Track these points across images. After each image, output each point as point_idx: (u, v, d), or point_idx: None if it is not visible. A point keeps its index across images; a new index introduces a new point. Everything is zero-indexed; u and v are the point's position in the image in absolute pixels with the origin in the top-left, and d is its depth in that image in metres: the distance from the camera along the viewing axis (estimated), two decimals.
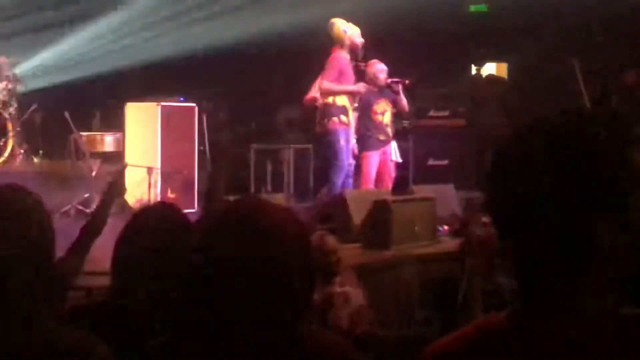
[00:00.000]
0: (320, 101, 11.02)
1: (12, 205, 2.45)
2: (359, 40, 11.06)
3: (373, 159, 11.40)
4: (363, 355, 2.54)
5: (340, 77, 10.93)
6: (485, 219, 10.64)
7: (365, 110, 11.40)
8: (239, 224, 2.18)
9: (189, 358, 2.18)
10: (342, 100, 10.94)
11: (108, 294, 3.27)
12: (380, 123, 11.47)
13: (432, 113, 14.20)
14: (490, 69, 16.30)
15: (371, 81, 11.40)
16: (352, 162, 11.14)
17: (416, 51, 14.12)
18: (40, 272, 2.37)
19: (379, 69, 11.53)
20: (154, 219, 3.27)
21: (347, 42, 11.01)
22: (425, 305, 5.20)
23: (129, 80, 14.38)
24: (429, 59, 14.34)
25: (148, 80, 14.43)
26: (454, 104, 14.51)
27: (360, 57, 11.12)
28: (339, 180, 10.88)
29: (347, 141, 10.97)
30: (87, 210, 11.97)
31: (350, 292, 5.92)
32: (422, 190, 10.47)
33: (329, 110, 10.92)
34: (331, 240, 6.04)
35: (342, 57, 10.98)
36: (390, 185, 11.59)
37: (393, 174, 11.80)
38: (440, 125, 13.91)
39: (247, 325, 2.09)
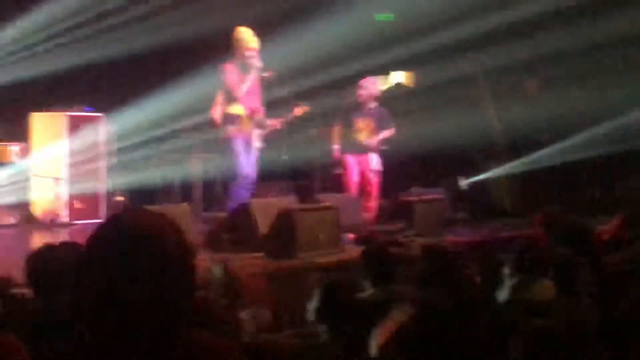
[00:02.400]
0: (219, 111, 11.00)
1: None
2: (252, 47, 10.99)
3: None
4: None
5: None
6: (391, 228, 10.87)
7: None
8: (115, 234, 2.24)
9: None
10: (237, 109, 10.92)
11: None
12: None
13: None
14: (397, 77, 16.50)
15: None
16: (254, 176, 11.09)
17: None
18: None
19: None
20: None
21: (238, 52, 10.97)
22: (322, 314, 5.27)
23: (33, 89, 14.24)
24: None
25: (54, 90, 14.31)
26: None
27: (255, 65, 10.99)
28: (237, 190, 10.82)
29: (245, 149, 10.96)
30: None
31: (256, 313, 6.00)
32: (327, 199, 10.59)
33: (227, 118, 10.92)
34: (234, 266, 6.12)
35: (229, 67, 10.93)
36: (372, 191, 11.76)
37: (373, 180, 11.92)
38: None
39: (128, 329, 2.16)
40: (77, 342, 2.27)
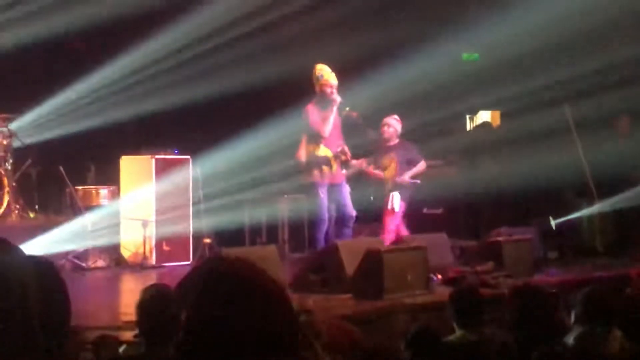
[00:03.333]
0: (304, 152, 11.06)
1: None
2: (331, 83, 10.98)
3: None
4: None
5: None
6: (479, 268, 10.72)
7: None
8: (214, 277, 2.30)
9: None
10: (323, 151, 10.95)
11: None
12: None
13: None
14: (484, 117, 16.38)
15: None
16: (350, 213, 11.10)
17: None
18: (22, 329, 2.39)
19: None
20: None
21: (317, 89, 11.04)
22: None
23: (123, 133, 14.44)
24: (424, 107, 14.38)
25: (142, 133, 14.49)
26: (447, 153, 14.59)
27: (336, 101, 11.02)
28: (318, 234, 10.88)
29: (330, 193, 11.01)
30: (83, 264, 12.02)
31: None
32: (415, 240, 10.50)
33: (312, 161, 10.97)
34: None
35: (310, 108, 10.99)
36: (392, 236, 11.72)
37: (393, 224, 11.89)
38: (433, 174, 13.93)
39: None
40: None
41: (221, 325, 2.21)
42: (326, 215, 10.80)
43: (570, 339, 5.49)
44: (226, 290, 2.25)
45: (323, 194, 10.83)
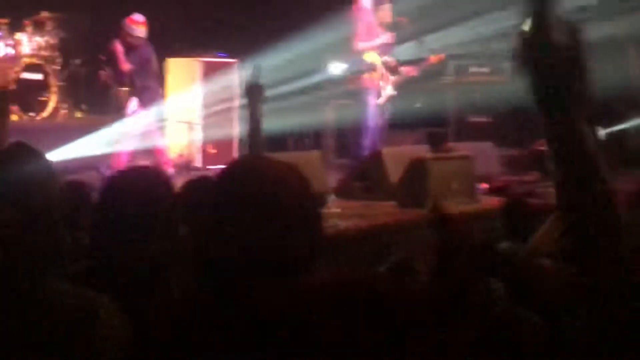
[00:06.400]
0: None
1: (16, 165, 2.44)
2: None
3: None
4: None
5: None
6: (526, 178, 10.65)
7: None
8: (237, 181, 2.25)
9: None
10: (371, 57, 10.86)
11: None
12: None
13: (473, 69, 14.08)
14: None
15: None
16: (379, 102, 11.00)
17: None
18: (45, 236, 2.38)
19: None
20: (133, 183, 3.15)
21: None
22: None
23: (170, 35, 14.37)
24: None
25: (189, 36, 14.42)
26: (495, 60, 14.39)
27: None
28: (363, 141, 10.83)
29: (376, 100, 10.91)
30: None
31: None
32: (461, 148, 10.43)
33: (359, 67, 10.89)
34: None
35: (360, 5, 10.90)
36: None
37: None
38: (481, 82, 13.78)
39: (248, 278, 2.14)
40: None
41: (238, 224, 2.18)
42: (372, 122, 10.74)
43: None
44: (256, 189, 2.21)
45: (372, 99, 10.77)
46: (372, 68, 10.78)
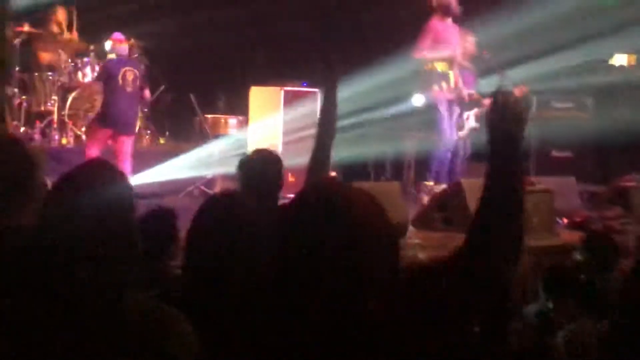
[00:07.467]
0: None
1: (99, 182, 2.46)
2: None
3: None
4: None
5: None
6: (606, 213, 10.51)
7: None
8: (314, 208, 2.24)
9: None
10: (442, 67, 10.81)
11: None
12: None
13: (556, 104, 13.95)
14: (620, 60, 15.94)
15: None
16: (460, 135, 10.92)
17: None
18: (126, 255, 2.43)
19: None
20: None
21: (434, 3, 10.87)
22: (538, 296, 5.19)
23: (254, 64, 14.54)
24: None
25: (272, 65, 14.56)
26: (579, 95, 14.25)
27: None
28: (440, 154, 10.74)
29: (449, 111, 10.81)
30: (210, 192, 12.20)
31: None
32: (543, 182, 10.34)
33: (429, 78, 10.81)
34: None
35: (433, 22, 10.84)
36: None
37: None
38: (564, 117, 13.66)
39: (316, 307, 2.15)
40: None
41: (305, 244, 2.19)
42: (448, 135, 10.62)
43: None
44: (333, 215, 2.19)
45: (446, 111, 10.70)
46: (443, 78, 10.74)
